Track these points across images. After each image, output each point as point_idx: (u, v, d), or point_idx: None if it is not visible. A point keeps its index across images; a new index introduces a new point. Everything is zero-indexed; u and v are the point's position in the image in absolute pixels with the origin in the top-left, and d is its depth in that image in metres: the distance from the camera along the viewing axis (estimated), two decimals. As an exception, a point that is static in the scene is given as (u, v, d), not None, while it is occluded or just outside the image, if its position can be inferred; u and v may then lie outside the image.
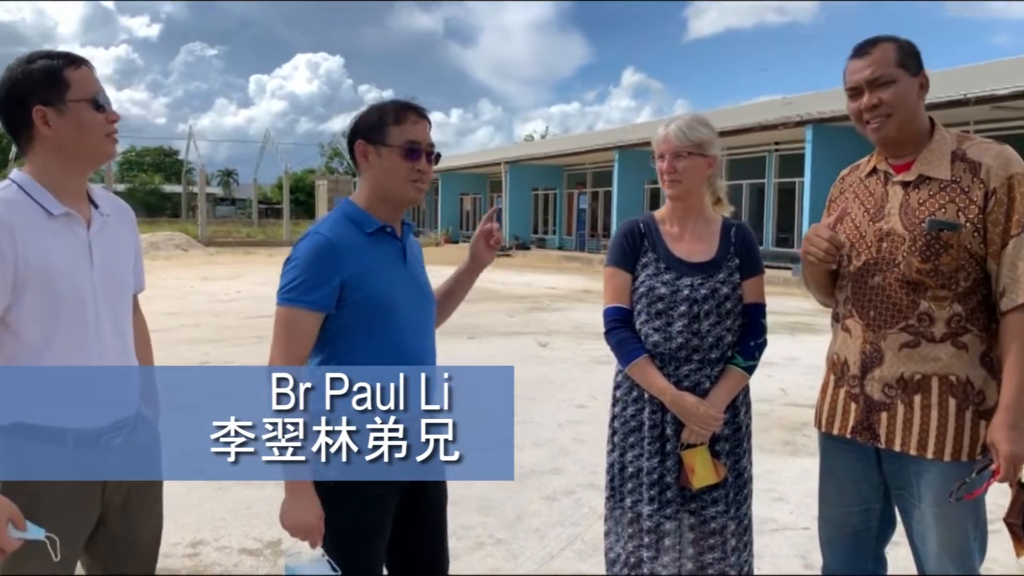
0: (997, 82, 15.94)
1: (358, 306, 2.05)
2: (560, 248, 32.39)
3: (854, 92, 2.23)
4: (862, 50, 2.22)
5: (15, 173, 1.90)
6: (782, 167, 22.78)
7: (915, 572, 2.31)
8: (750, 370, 2.53)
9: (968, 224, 2.12)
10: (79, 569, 2.12)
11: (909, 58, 2.21)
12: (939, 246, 2.13)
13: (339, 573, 1.99)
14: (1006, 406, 2.06)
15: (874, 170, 2.33)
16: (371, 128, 2.12)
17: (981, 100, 15.43)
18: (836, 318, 2.39)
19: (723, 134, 19.86)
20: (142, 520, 2.08)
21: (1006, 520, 2.13)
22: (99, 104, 1.89)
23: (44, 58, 1.88)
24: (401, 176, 2.11)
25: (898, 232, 2.20)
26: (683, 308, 2.48)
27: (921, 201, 2.18)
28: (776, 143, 22.40)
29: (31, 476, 1.85)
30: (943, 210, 2.14)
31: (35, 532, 1.81)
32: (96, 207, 1.98)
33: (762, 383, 7.54)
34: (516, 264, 26.54)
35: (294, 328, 2.02)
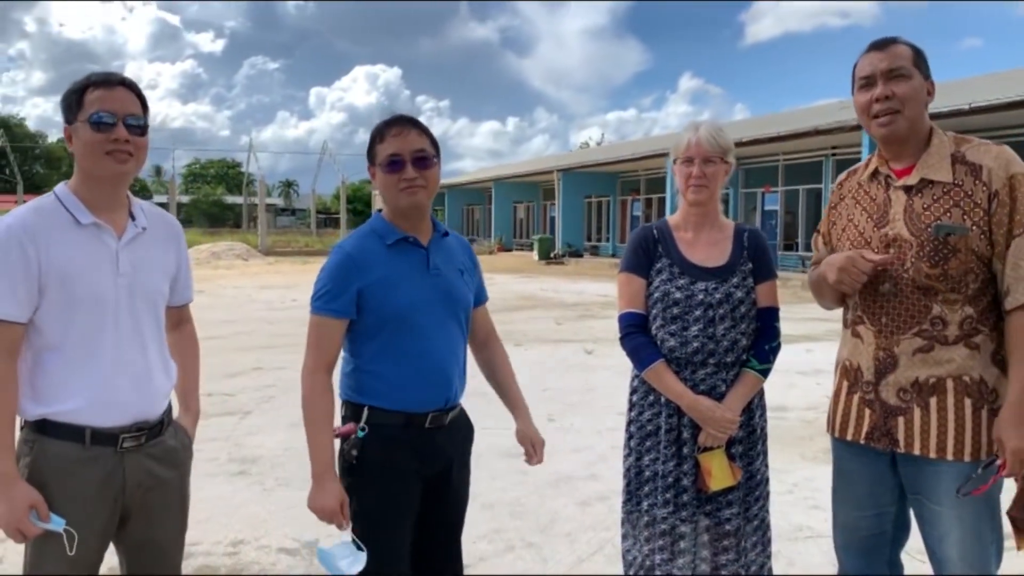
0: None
1: (376, 313, 2.21)
2: (613, 255, 32.24)
3: (867, 82, 2.22)
4: (879, 45, 2.22)
5: (59, 186, 2.06)
6: (840, 172, 22.29)
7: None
8: (765, 373, 2.54)
9: (975, 227, 2.11)
10: (117, 570, 2.22)
11: (922, 62, 2.22)
12: (947, 251, 2.12)
13: (364, 551, 2.13)
14: (1012, 402, 2.07)
15: (875, 173, 2.32)
16: (369, 152, 2.30)
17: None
18: (846, 323, 2.38)
19: (780, 139, 19.41)
20: (163, 523, 2.16)
21: (1010, 514, 2.10)
22: (96, 123, 1.97)
23: (87, 78, 2.03)
24: (392, 188, 2.24)
25: (904, 238, 2.19)
26: (698, 312, 2.50)
27: (925, 206, 2.17)
28: (833, 148, 21.99)
29: (51, 471, 1.96)
30: (948, 214, 2.13)
31: (56, 523, 1.92)
32: (133, 220, 2.10)
33: (811, 391, 7.44)
34: (568, 272, 26.53)
35: (322, 333, 2.23)
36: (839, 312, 2.45)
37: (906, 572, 2.51)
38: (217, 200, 72.75)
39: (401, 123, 2.25)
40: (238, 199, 67.39)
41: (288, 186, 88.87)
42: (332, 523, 2.17)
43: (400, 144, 2.22)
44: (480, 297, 2.50)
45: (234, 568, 3.69)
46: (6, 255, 1.90)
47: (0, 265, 1.89)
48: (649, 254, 2.61)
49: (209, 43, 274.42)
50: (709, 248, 2.59)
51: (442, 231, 2.38)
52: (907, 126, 2.19)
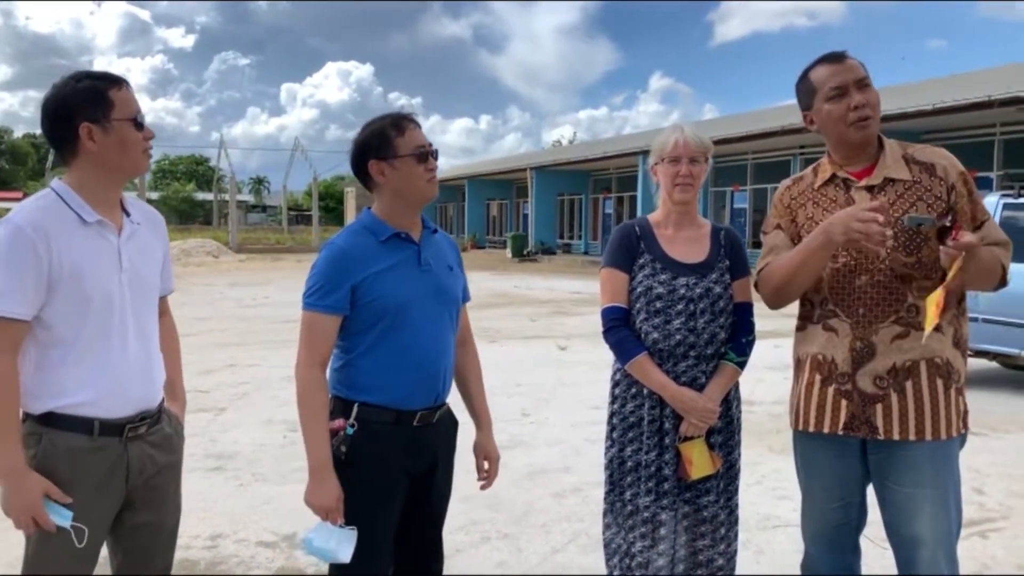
0: (1023, 84, 15.76)
1: (370, 308, 2.24)
2: (586, 253, 32.41)
3: (840, 92, 2.34)
4: (837, 59, 2.38)
5: (55, 182, 2.07)
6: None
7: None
8: (742, 365, 2.63)
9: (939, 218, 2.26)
10: (106, 569, 2.25)
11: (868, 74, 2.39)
12: (919, 240, 2.27)
13: (354, 530, 2.17)
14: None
15: (831, 178, 2.43)
16: (379, 146, 2.29)
17: (1005, 103, 15.24)
18: (811, 319, 2.43)
19: (748, 138, 19.57)
20: (163, 507, 2.22)
21: None
22: (139, 123, 2.07)
23: (89, 78, 2.04)
24: (420, 178, 2.29)
25: None
26: (680, 307, 2.57)
27: (891, 201, 2.31)
28: (801, 147, 22.28)
29: (60, 462, 1.98)
30: (914, 208, 2.30)
31: (64, 518, 1.95)
32: (128, 215, 2.14)
33: (779, 385, 7.53)
34: (541, 269, 26.64)
35: (315, 330, 2.24)
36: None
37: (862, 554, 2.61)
38: (187, 197, 71.72)
39: (413, 119, 2.33)
40: (208, 196, 66.63)
41: (259, 183, 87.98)
42: (328, 520, 2.19)
43: (422, 138, 2.31)
44: (464, 296, 2.53)
45: (213, 561, 3.72)
46: (16, 254, 1.91)
47: (10, 264, 1.91)
48: (632, 250, 2.67)
49: (179, 38, 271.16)
50: (689, 245, 2.66)
51: (432, 228, 2.42)
52: (876, 129, 2.38)
